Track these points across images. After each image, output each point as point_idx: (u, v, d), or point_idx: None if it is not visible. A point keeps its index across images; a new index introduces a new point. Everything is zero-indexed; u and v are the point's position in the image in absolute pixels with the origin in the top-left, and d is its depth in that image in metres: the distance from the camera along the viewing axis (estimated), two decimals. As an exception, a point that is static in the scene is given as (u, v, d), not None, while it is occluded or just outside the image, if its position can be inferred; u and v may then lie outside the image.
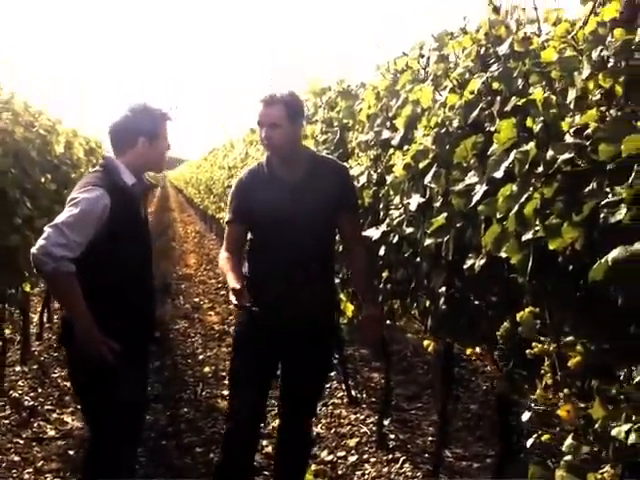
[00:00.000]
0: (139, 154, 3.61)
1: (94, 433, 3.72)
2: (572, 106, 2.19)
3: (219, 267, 4.03)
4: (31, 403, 6.36)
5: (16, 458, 5.22)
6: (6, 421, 5.89)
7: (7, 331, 7.42)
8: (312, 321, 3.89)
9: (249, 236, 3.99)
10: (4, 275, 5.23)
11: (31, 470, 5.05)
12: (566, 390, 2.39)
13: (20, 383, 6.85)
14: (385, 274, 4.14)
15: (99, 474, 3.65)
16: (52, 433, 5.79)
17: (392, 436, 5.53)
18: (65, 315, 3.62)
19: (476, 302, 3.17)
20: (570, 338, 2.35)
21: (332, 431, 5.76)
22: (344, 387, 6.47)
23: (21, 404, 6.29)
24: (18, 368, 7.24)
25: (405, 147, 3.69)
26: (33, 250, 3.31)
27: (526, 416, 2.51)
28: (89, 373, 3.52)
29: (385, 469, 4.98)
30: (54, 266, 3.28)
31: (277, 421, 4.31)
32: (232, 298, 3.65)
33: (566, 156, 2.15)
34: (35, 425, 5.91)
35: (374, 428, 5.55)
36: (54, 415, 6.17)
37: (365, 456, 5.24)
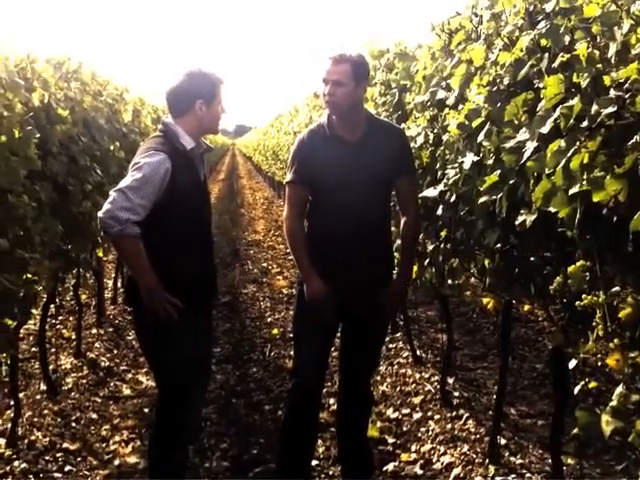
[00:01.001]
0: (196, 117, 3.70)
1: (162, 389, 3.88)
2: (613, 60, 2.21)
3: (287, 239, 4.08)
4: (107, 364, 6.61)
5: (94, 416, 5.46)
6: (84, 381, 6.14)
7: (83, 296, 7.69)
8: (370, 280, 3.96)
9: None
10: (78, 241, 5.38)
11: (108, 427, 5.27)
12: (616, 340, 2.43)
13: (96, 345, 7.11)
14: (444, 233, 4.17)
15: (167, 429, 3.81)
16: (127, 392, 6.02)
17: (456, 394, 5.58)
18: (131, 276, 3.77)
19: (531, 258, 3.20)
20: (617, 289, 2.38)
21: (397, 389, 5.85)
22: (409, 347, 6.54)
23: (98, 365, 6.54)
24: (94, 331, 7.50)
25: (460, 106, 3.70)
26: (100, 214, 3.47)
27: (572, 363, 2.55)
28: (155, 331, 3.67)
29: (449, 426, 5.05)
30: (120, 228, 3.43)
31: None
32: (308, 291, 3.86)
33: (609, 110, 2.17)
34: (111, 385, 6.16)
35: (438, 387, 5.61)
36: (129, 375, 6.41)
37: (429, 413, 5.31)
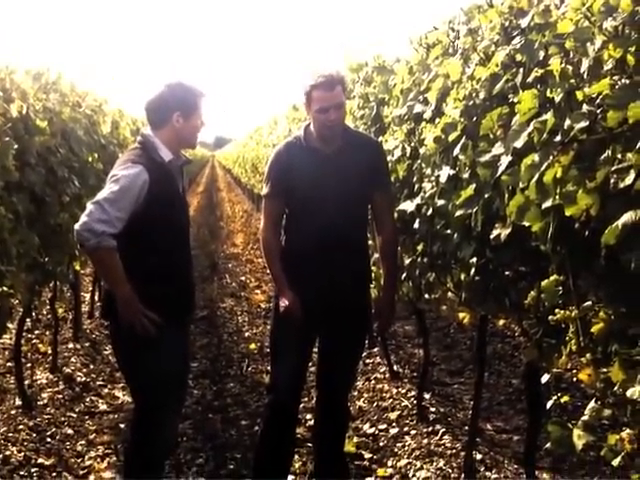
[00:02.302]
0: (174, 129, 3.68)
1: (137, 404, 3.85)
2: (586, 76, 2.23)
3: (262, 252, 4.09)
4: (83, 379, 6.55)
5: (70, 431, 5.40)
6: (60, 396, 6.08)
7: (60, 310, 7.63)
8: (347, 293, 3.95)
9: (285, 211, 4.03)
10: (55, 253, 5.35)
11: (83, 442, 5.22)
12: (588, 355, 2.44)
13: (73, 359, 7.04)
14: (420, 247, 4.18)
15: (143, 444, 3.78)
16: (104, 407, 5.96)
17: (433, 409, 5.59)
18: (107, 289, 3.75)
19: (506, 272, 3.21)
20: (589, 303, 2.39)
21: (374, 405, 5.85)
22: (386, 362, 6.54)
23: (74, 380, 6.48)
24: (71, 345, 7.44)
25: (436, 120, 3.72)
26: (76, 226, 3.45)
27: (545, 378, 2.56)
28: (131, 345, 3.65)
29: (425, 441, 5.05)
30: (96, 241, 3.41)
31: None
32: (282, 304, 3.84)
33: (582, 125, 2.19)
34: (87, 400, 6.10)
35: (415, 402, 5.61)
36: (105, 390, 6.36)
37: (406, 429, 5.32)
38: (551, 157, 2.34)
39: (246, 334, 8.32)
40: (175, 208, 3.74)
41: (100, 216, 3.41)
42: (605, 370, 2.36)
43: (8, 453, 4.86)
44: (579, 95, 2.24)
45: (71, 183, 5.57)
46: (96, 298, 8.92)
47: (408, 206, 4.06)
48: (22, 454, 4.88)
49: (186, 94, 3.69)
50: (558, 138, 2.31)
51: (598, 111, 2.11)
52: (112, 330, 3.86)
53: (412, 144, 4.26)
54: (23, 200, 4.46)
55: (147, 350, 3.59)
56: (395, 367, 6.53)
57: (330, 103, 3.75)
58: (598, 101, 2.13)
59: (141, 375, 3.72)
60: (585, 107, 2.21)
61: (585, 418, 2.25)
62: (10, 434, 5.16)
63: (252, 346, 7.68)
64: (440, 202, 3.58)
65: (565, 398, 2.48)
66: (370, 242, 4.42)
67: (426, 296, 4.57)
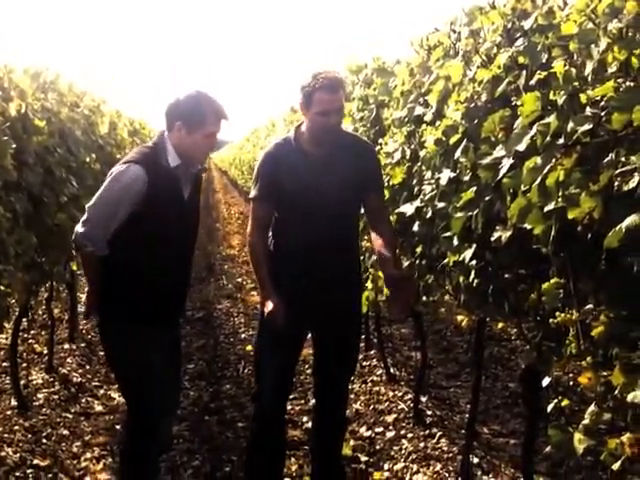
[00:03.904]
0: (176, 138, 3.63)
1: (127, 403, 3.87)
2: (590, 78, 2.22)
3: (249, 255, 4.03)
4: (79, 379, 6.53)
5: (65, 432, 5.38)
6: (55, 396, 6.07)
7: (56, 310, 7.61)
8: (337, 296, 3.93)
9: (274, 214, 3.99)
10: (52, 253, 5.34)
11: (79, 443, 5.20)
12: (589, 358, 2.43)
13: (69, 360, 7.03)
14: (419, 249, 4.17)
15: (133, 443, 3.78)
16: (99, 408, 5.94)
17: (429, 413, 5.59)
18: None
19: (505, 275, 3.20)
20: (590, 306, 2.39)
21: (370, 408, 5.83)
22: (383, 365, 6.53)
23: (70, 380, 6.46)
24: (67, 346, 7.42)
25: (437, 123, 3.72)
26: (77, 232, 3.59)
27: (546, 381, 2.56)
28: (111, 340, 3.77)
29: (422, 444, 5.04)
30: (92, 250, 3.57)
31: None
32: (267, 310, 3.76)
33: (585, 127, 2.18)
34: (83, 401, 6.09)
35: (412, 405, 5.60)
36: (101, 391, 6.34)
37: (402, 432, 5.30)
38: (554, 160, 2.34)
39: (242, 336, 8.30)
40: (173, 214, 3.67)
41: (99, 222, 3.56)
42: (605, 374, 2.36)
43: (3, 454, 4.84)
44: (583, 98, 2.23)
45: (69, 183, 5.57)
46: (92, 299, 8.90)
47: (407, 209, 4.04)
48: (18, 455, 4.86)
49: (195, 108, 3.60)
50: (561, 141, 2.30)
51: (602, 114, 2.11)
52: (100, 328, 3.91)
53: (412, 147, 4.25)
54: (21, 200, 4.45)
55: (128, 348, 3.67)
56: (392, 370, 6.52)
57: (332, 106, 3.70)
58: (602, 104, 2.13)
59: (122, 371, 3.79)
60: (589, 110, 2.20)
61: (586, 422, 2.24)
62: (5, 435, 5.14)
63: (248, 348, 7.64)
64: (440, 204, 3.58)
65: (565, 402, 2.47)
66: (366, 243, 4.41)
67: (424, 298, 4.57)
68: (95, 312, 3.81)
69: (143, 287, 3.65)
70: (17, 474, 4.62)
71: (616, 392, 2.22)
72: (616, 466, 2.20)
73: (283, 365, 4.02)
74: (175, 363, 4.02)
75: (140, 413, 3.73)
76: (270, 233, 4.00)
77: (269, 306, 3.76)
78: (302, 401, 5.89)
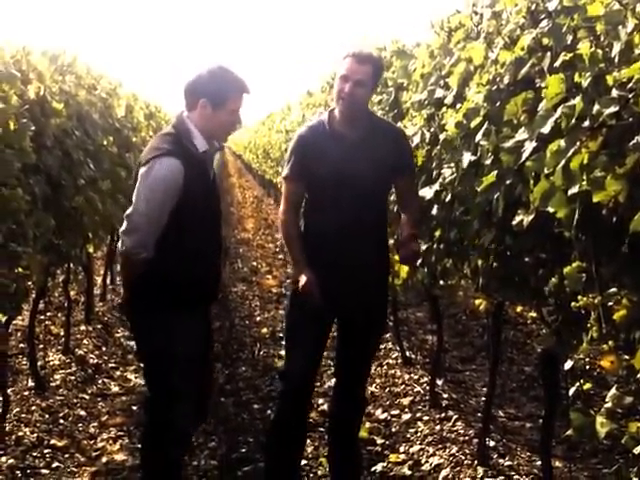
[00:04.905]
0: (200, 116, 3.53)
1: (151, 391, 3.80)
2: (617, 60, 2.21)
3: (282, 233, 4.04)
4: (95, 361, 6.59)
5: (82, 412, 5.43)
6: (72, 377, 6.10)
7: (72, 292, 7.65)
8: (367, 279, 3.92)
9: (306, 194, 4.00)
10: (69, 236, 5.35)
11: (96, 424, 5.25)
12: (611, 342, 2.43)
13: (85, 342, 7.06)
14: (438, 233, 4.16)
15: (158, 426, 3.73)
16: (116, 389, 6.00)
17: (445, 396, 5.59)
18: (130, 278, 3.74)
19: (526, 259, 3.20)
20: (614, 290, 2.38)
21: (386, 390, 5.85)
22: (398, 348, 6.54)
23: (86, 362, 6.50)
24: (83, 327, 7.45)
25: (458, 105, 3.70)
26: (128, 244, 3.49)
27: (568, 365, 2.55)
28: (147, 327, 3.66)
29: (437, 427, 5.05)
30: (146, 255, 3.47)
31: (333, 380, 4.38)
32: (301, 284, 3.75)
33: (611, 110, 2.17)
34: (100, 382, 6.15)
35: (427, 388, 5.61)
36: (117, 372, 6.40)
37: (418, 414, 5.31)
38: (578, 143, 2.32)
39: (258, 318, 8.33)
40: (206, 201, 3.60)
41: (149, 229, 3.45)
42: (627, 357, 2.35)
43: (21, 434, 4.88)
44: (609, 80, 2.21)
45: (86, 166, 5.56)
46: (108, 281, 8.95)
47: (426, 192, 4.03)
48: (35, 435, 4.90)
49: (219, 83, 3.51)
50: (586, 123, 2.29)
51: (630, 96, 2.09)
52: (130, 314, 3.86)
53: (432, 130, 4.23)
54: (40, 182, 4.45)
55: (163, 333, 3.57)
56: (407, 353, 6.53)
57: (352, 75, 3.70)
58: (630, 85, 2.11)
59: (157, 359, 3.67)
60: (615, 92, 2.18)
61: (608, 405, 2.24)
62: (23, 415, 5.18)
63: (264, 330, 7.69)
64: (460, 188, 3.57)
65: (587, 385, 2.47)
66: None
67: (441, 282, 4.56)
68: (131, 305, 3.75)
69: (184, 273, 3.55)
70: (34, 454, 4.66)
71: (638, 376, 2.22)
72: (637, 450, 2.20)
73: (312, 345, 4.01)
74: (205, 348, 3.97)
75: (164, 402, 3.66)
76: (302, 217, 4.01)
77: (303, 280, 3.76)
78: (317, 383, 5.90)
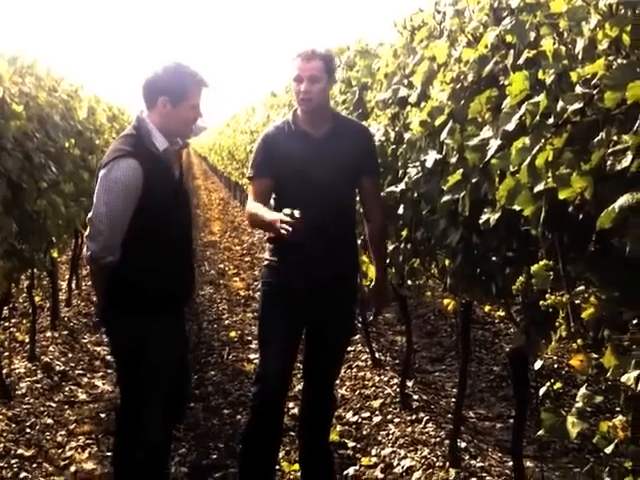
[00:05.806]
0: (160, 114, 3.48)
1: (125, 401, 3.73)
2: (580, 56, 2.19)
3: (248, 216, 3.97)
4: (62, 368, 6.47)
5: (49, 421, 5.33)
6: (38, 385, 5.99)
7: (37, 298, 7.54)
8: (335, 279, 3.89)
9: (272, 195, 3.98)
10: (32, 240, 5.26)
11: (64, 432, 5.16)
12: (579, 341, 2.41)
13: (51, 348, 6.94)
14: (405, 233, 4.15)
15: (130, 433, 3.65)
16: (83, 397, 5.91)
17: (415, 397, 5.56)
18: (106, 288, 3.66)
19: (492, 258, 3.18)
20: (582, 288, 2.36)
21: (356, 393, 5.82)
22: (368, 350, 6.51)
23: (52, 369, 6.39)
24: (49, 334, 7.33)
25: (422, 104, 3.68)
26: (93, 249, 3.43)
27: (538, 364, 2.53)
28: (131, 336, 3.56)
29: (409, 429, 5.01)
30: (111, 260, 3.41)
31: (302, 383, 4.34)
32: (278, 224, 3.54)
33: (575, 106, 2.15)
34: (67, 389, 6.04)
35: (398, 389, 5.58)
36: (84, 379, 6.31)
37: (389, 417, 5.28)
38: (543, 140, 2.31)
39: (226, 322, 8.27)
40: (173, 200, 3.56)
41: (113, 233, 3.40)
42: (596, 356, 2.34)
43: (-13, 444, 4.79)
44: (573, 76, 2.20)
45: (48, 169, 5.47)
46: (73, 286, 8.84)
47: (395, 188, 4.02)
48: (1, 445, 4.78)
49: (177, 79, 3.46)
50: (551, 120, 2.27)
51: (594, 92, 2.07)
52: (104, 319, 3.79)
53: (396, 129, 4.22)
54: (0, 186, 4.37)
55: (137, 337, 3.50)
56: (377, 355, 6.50)
57: (303, 73, 3.74)
58: (593, 82, 2.10)
59: (131, 364, 3.59)
60: (579, 88, 2.17)
61: (578, 405, 2.22)
62: (-12, 425, 5.08)
63: (232, 334, 7.64)
64: (426, 187, 3.55)
65: (558, 385, 2.45)
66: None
67: (409, 282, 4.54)
68: (104, 313, 3.71)
69: (153, 274, 3.48)
70: (1, 464, 4.56)
71: (608, 374, 2.20)
72: (609, 449, 2.18)
73: (285, 347, 3.96)
74: (186, 356, 3.91)
75: (142, 411, 3.58)
76: None
77: (277, 220, 3.55)
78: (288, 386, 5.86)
